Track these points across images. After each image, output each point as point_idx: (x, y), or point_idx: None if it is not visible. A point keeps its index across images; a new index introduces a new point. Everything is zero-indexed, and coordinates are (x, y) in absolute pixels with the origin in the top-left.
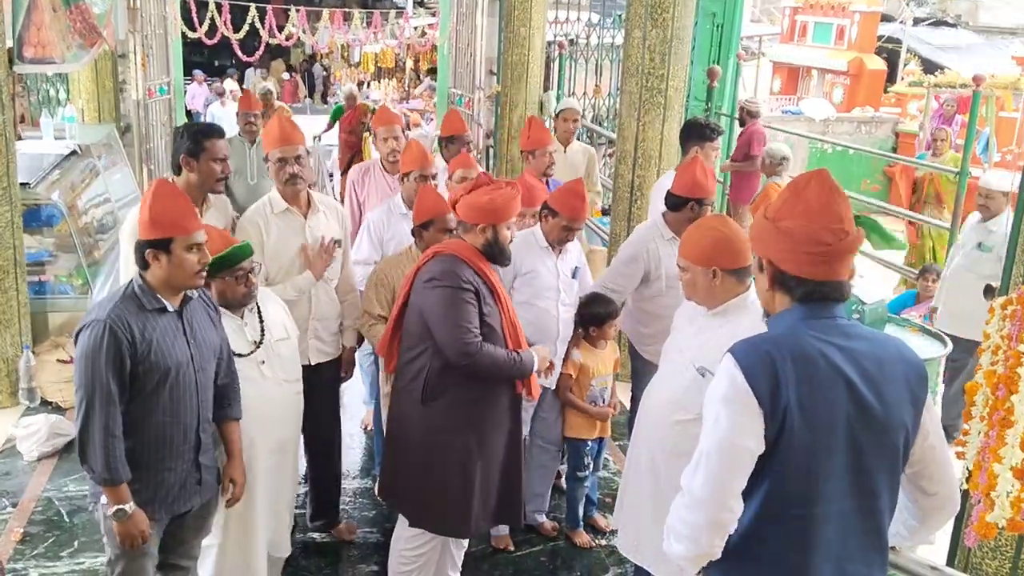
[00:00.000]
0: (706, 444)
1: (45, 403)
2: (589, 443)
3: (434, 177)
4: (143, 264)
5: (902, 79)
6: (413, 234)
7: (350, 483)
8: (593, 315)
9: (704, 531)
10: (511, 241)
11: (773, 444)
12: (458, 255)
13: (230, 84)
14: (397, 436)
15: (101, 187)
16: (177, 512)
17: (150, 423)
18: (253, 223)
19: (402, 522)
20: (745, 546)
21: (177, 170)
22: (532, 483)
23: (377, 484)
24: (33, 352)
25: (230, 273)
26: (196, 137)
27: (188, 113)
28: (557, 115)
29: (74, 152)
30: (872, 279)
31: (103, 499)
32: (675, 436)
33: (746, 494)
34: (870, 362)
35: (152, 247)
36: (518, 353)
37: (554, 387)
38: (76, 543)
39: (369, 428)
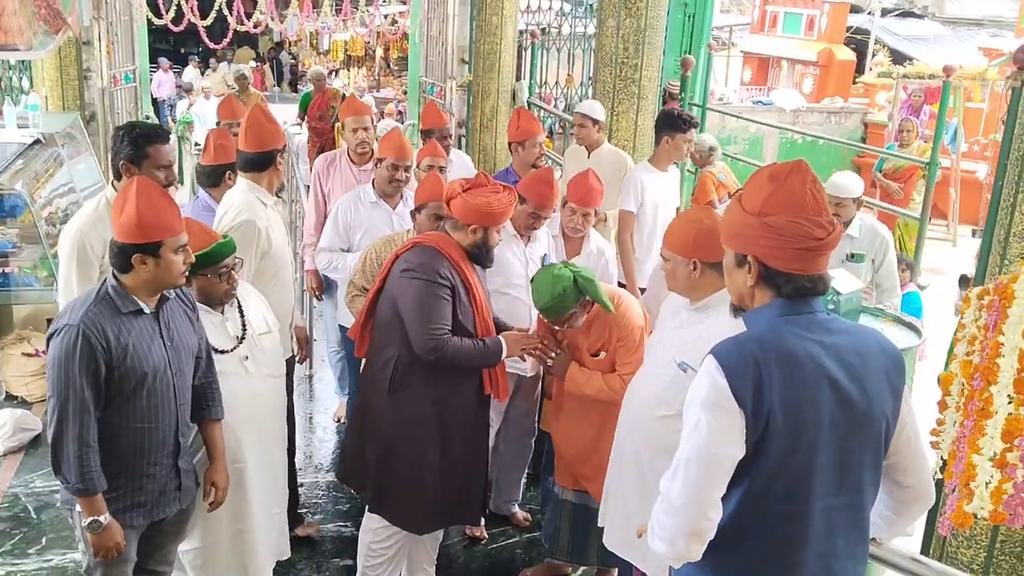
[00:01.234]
0: (685, 451)
1: (10, 397)
2: None
3: (407, 169)
4: (124, 267)
5: (870, 70)
6: (412, 216)
7: (323, 476)
8: None
9: (681, 538)
10: (497, 244)
11: (755, 447)
12: (439, 249)
13: (191, 74)
14: (362, 422)
15: (65, 177)
16: (156, 518)
17: (127, 429)
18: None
19: (369, 515)
20: (727, 543)
21: (117, 175)
22: (506, 474)
23: (339, 468)
24: None
25: (213, 271)
26: (138, 142)
27: (154, 102)
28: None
29: (37, 141)
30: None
31: (78, 507)
32: (658, 431)
33: (727, 493)
34: (852, 356)
35: (140, 251)
36: (483, 341)
37: (529, 375)
38: (44, 540)
39: (342, 420)
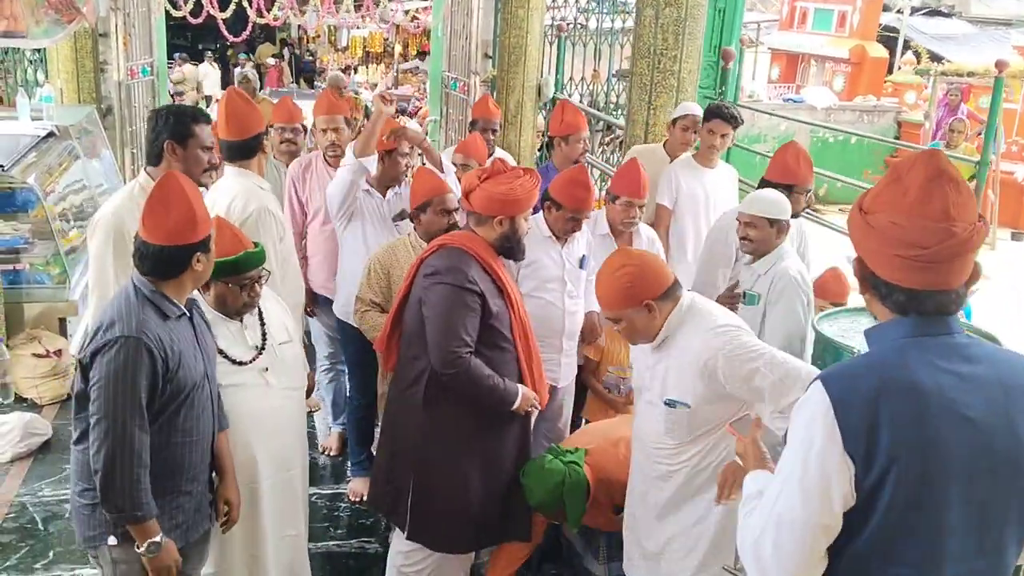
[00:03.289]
0: (780, 505)
1: (19, 400)
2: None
3: (403, 156)
4: (176, 272)
5: (899, 68)
6: (411, 219)
7: (345, 487)
8: None
9: None
10: (527, 233)
11: (867, 500)
12: (466, 249)
13: (205, 70)
14: (392, 443)
15: (80, 171)
16: (191, 539)
17: (170, 446)
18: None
19: (399, 534)
20: None
21: (155, 159)
22: None
23: (368, 494)
24: (7, 345)
25: (236, 280)
26: (183, 120)
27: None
28: (675, 122)
29: (51, 134)
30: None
31: (111, 539)
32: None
33: (831, 549)
34: (996, 390)
35: (200, 250)
36: (504, 382)
37: (562, 383)
38: (51, 553)
39: (330, 452)
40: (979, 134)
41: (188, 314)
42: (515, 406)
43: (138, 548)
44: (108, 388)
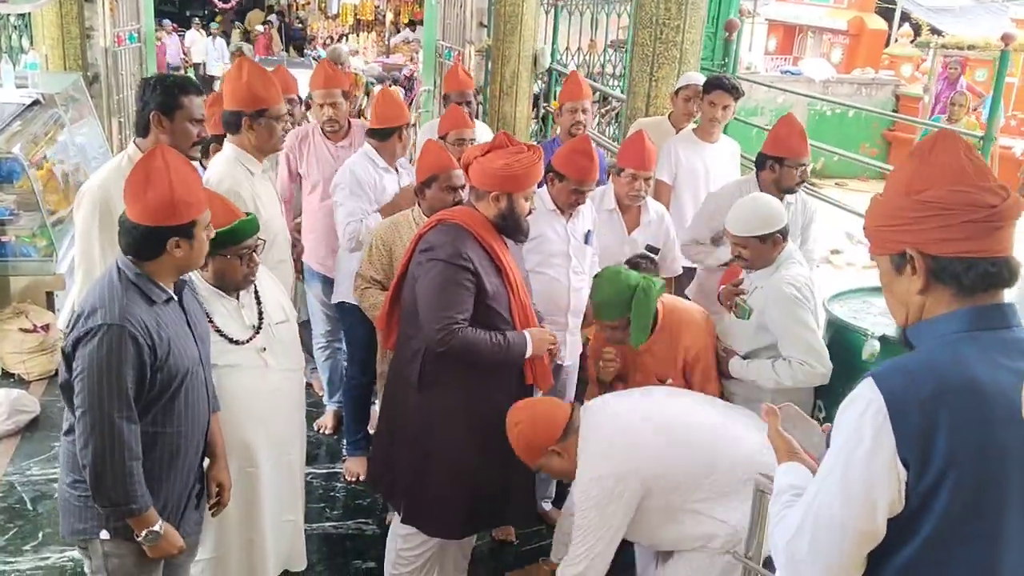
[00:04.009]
0: (817, 505)
1: (6, 376)
2: None
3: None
4: (152, 254)
5: (895, 41)
6: (416, 193)
7: (342, 466)
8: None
9: None
10: (529, 213)
11: (919, 506)
12: (464, 225)
13: (192, 37)
14: (390, 422)
15: (67, 140)
16: (181, 531)
17: (161, 438)
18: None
19: (398, 517)
20: None
21: (143, 130)
22: None
23: (367, 473)
24: None
25: (234, 251)
26: (171, 91)
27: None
28: (677, 92)
29: (37, 102)
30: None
31: (103, 533)
32: None
33: (877, 562)
34: None
35: (177, 234)
36: (505, 336)
37: (567, 362)
38: (41, 535)
39: (322, 431)
40: (975, 108)
41: (177, 298)
42: (529, 354)
43: (137, 537)
44: (92, 379)
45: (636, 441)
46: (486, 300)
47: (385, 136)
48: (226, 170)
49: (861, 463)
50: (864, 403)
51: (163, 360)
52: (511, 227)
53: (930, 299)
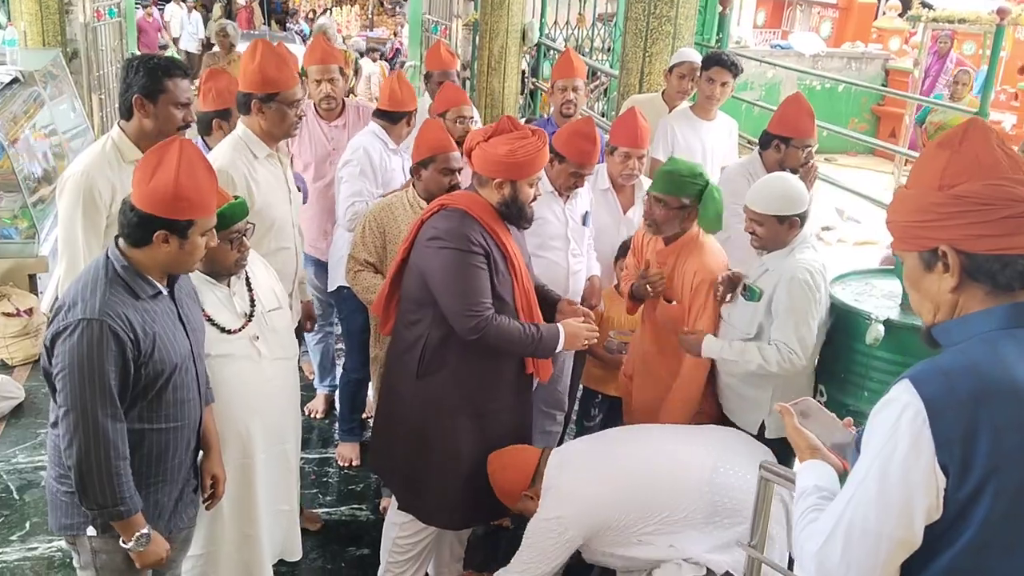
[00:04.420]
0: (851, 512)
1: None
2: (600, 396)
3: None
4: (140, 241)
5: (883, 14)
6: (412, 173)
7: (334, 450)
8: (627, 246)
9: None
10: (534, 200)
11: (957, 514)
12: (469, 212)
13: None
14: (388, 407)
15: (47, 118)
16: (174, 528)
17: (150, 436)
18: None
19: (394, 505)
20: None
21: (127, 113)
22: None
23: (368, 455)
24: None
25: (224, 236)
26: (155, 73)
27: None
28: (671, 69)
29: (16, 80)
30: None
31: (90, 530)
32: None
33: (910, 571)
34: None
35: (167, 228)
36: (538, 328)
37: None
38: (28, 524)
39: (312, 415)
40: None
41: (167, 291)
42: (560, 348)
43: (124, 543)
44: (73, 376)
45: (590, 499)
46: (493, 287)
47: (396, 119)
48: (224, 151)
49: (898, 470)
50: (900, 407)
51: (148, 356)
52: (515, 214)
53: (963, 297)
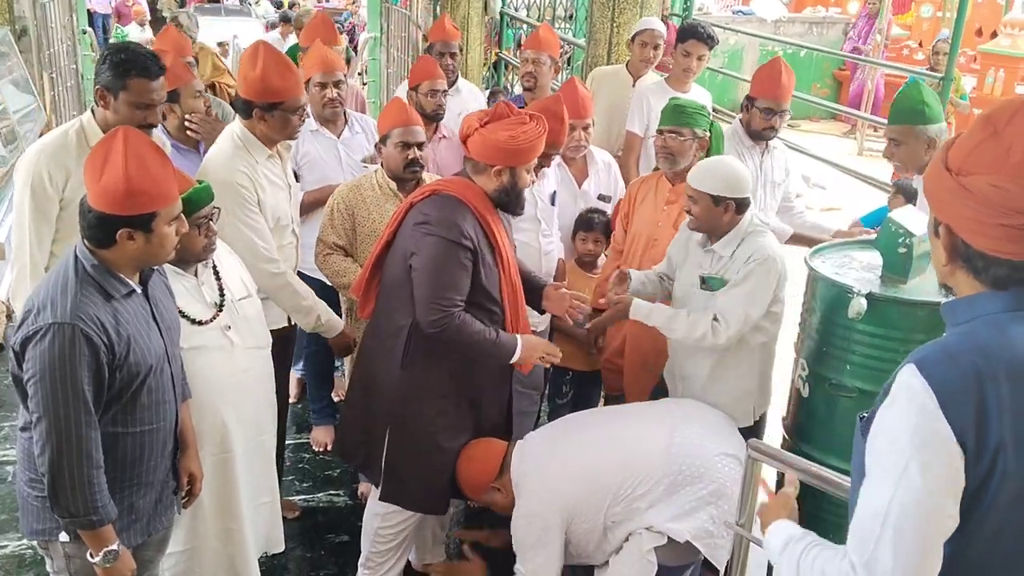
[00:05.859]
0: (890, 507)
1: None
2: (571, 373)
3: (336, 85)
4: (104, 242)
5: None
6: (376, 150)
7: (309, 435)
8: (584, 219)
9: None
10: (531, 186)
11: (973, 495)
12: (461, 198)
13: None
14: (366, 394)
15: None
16: (153, 531)
17: (124, 440)
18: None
19: (373, 496)
20: None
21: (98, 101)
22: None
23: (336, 444)
24: None
25: (191, 222)
26: (118, 68)
27: (90, 15)
28: (633, 38)
29: None
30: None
31: (63, 535)
32: None
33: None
34: None
35: (128, 225)
36: (497, 333)
37: (540, 327)
38: None
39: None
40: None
41: (140, 289)
42: (515, 360)
43: (91, 557)
44: (45, 383)
45: (554, 486)
46: (479, 280)
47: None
48: (225, 160)
49: (921, 458)
50: (909, 393)
51: (122, 359)
52: (511, 202)
53: (957, 273)
